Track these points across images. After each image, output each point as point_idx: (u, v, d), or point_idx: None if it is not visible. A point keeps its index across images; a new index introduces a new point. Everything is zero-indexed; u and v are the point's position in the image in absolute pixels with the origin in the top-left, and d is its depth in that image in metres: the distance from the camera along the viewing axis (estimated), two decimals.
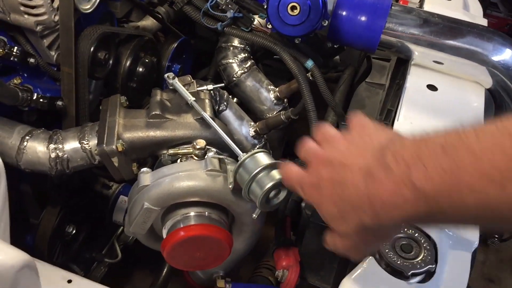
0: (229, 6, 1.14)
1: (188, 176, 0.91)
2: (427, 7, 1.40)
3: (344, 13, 1.14)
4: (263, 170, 0.84)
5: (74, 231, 1.31)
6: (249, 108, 1.44)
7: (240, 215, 0.97)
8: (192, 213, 0.95)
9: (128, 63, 1.30)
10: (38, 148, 1.01)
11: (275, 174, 0.84)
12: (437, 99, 1.13)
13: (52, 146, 1.01)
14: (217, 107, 1.28)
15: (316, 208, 0.66)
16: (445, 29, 1.12)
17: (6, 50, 1.02)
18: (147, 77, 1.39)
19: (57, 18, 1.04)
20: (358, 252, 0.69)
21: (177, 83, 1.05)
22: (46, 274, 0.97)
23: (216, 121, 1.06)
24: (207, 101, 1.09)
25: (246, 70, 1.37)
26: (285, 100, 1.40)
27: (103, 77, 1.22)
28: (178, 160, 1.00)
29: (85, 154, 1.02)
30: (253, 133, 1.31)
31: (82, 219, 1.36)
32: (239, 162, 0.86)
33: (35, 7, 1.01)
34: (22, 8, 1.00)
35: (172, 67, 1.56)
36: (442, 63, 1.16)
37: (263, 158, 0.86)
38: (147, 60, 1.38)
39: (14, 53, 1.04)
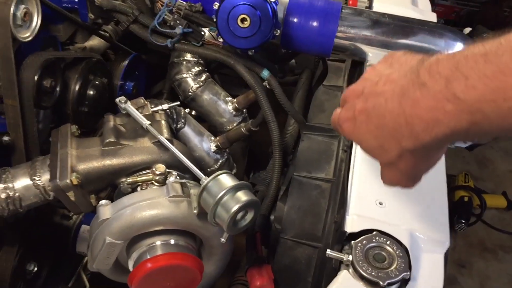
0: (178, 22, 1.10)
1: (150, 205, 0.87)
2: (376, 5, 1.40)
3: (295, 20, 1.12)
4: (228, 193, 0.81)
5: (36, 268, 1.24)
6: (208, 122, 1.41)
7: (208, 239, 0.93)
8: (158, 242, 0.91)
9: (77, 88, 1.25)
10: None
11: (241, 195, 0.81)
12: None
13: (1, 186, 0.95)
14: (175, 126, 1.24)
15: (357, 143, 0.67)
16: (396, 29, 1.12)
17: None
18: (99, 99, 1.33)
19: None
20: (408, 180, 0.68)
21: (130, 107, 1.01)
22: None
23: (174, 142, 1.02)
24: (163, 122, 1.05)
25: (201, 83, 1.34)
26: (244, 110, 1.37)
27: (51, 106, 1.16)
28: (138, 188, 0.95)
29: (38, 191, 0.97)
30: (215, 148, 1.28)
31: (43, 254, 1.29)
32: (202, 186, 0.83)
33: None
34: None
35: (125, 85, 1.51)
36: None
37: (227, 180, 0.83)
38: (97, 82, 1.32)
39: None
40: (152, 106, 1.10)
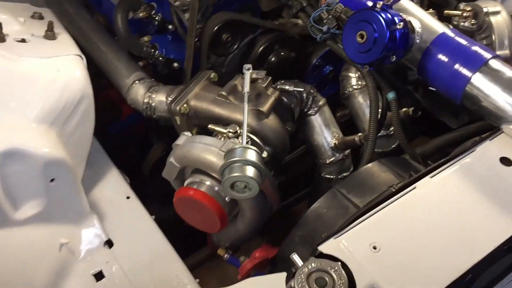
0: (329, 21, 1.19)
1: (203, 148, 1.07)
2: None
3: (436, 52, 1.08)
4: (240, 162, 0.92)
5: None
6: (354, 124, 1.47)
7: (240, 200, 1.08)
8: (207, 182, 1.10)
9: (260, 50, 1.48)
10: (139, 92, 1.31)
11: (249, 171, 0.92)
12: None
13: (148, 94, 1.30)
14: (306, 110, 1.37)
15: None
16: None
17: (151, 14, 1.35)
18: (279, 67, 1.51)
19: None
20: None
21: (247, 74, 1.18)
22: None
23: (271, 116, 1.16)
24: (272, 98, 1.19)
25: (360, 87, 1.41)
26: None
27: (224, 55, 1.43)
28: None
29: (167, 108, 1.27)
30: (332, 145, 1.36)
31: None
32: (232, 147, 0.96)
33: None
34: None
35: (323, 67, 1.65)
36: None
37: (251, 155, 0.94)
38: (282, 53, 1.52)
39: (156, 18, 1.36)
40: (280, 84, 1.26)
